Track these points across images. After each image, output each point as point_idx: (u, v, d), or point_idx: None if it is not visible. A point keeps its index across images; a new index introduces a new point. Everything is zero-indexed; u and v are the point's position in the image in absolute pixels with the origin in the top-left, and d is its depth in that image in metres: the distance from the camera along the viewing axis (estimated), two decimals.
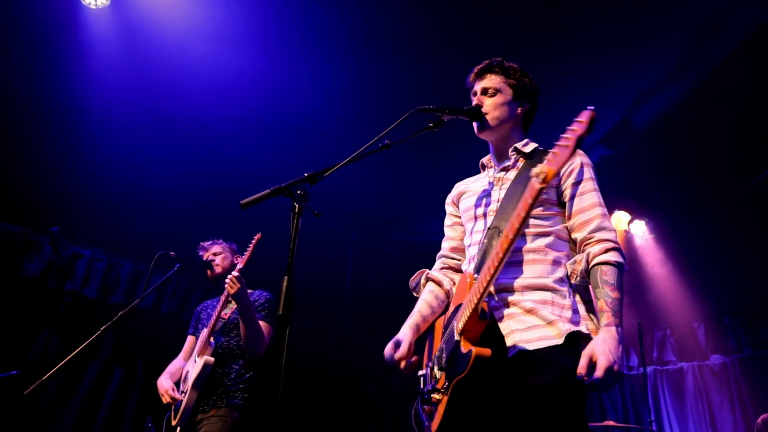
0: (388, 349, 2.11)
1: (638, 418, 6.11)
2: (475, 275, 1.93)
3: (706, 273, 5.91)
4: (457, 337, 1.86)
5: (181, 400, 3.42)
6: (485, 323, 1.84)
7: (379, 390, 7.05)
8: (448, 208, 2.43)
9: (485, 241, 2.02)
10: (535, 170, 1.64)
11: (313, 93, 4.97)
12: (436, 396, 1.92)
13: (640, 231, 6.16)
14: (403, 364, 2.07)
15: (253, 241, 3.53)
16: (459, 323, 1.87)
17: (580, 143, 1.61)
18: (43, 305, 5.06)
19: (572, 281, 1.97)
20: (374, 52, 4.64)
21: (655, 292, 6.22)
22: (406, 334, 2.16)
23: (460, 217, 2.33)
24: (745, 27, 4.38)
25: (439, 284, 2.29)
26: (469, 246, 2.18)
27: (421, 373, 2.12)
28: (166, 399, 3.51)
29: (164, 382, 3.59)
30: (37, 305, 5.02)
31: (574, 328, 1.87)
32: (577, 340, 1.88)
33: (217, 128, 5.20)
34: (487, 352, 1.77)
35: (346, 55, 4.66)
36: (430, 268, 2.41)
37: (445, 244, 2.39)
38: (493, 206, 2.13)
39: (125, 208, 5.29)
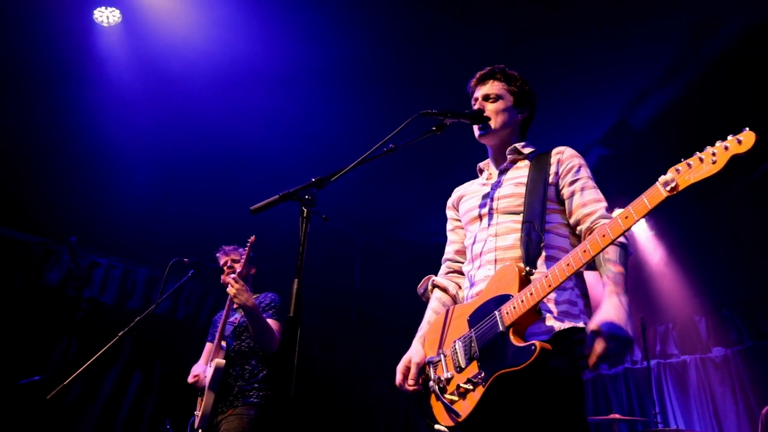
0: (399, 375, 2.12)
1: (643, 411, 6.07)
2: (527, 268, 1.89)
3: (705, 267, 5.89)
4: (502, 329, 1.81)
5: (203, 384, 3.47)
6: (538, 317, 1.83)
7: (388, 387, 7.03)
8: (449, 212, 2.43)
9: (524, 235, 2.00)
10: (665, 177, 1.53)
11: (322, 100, 4.99)
12: (466, 386, 1.87)
13: (641, 228, 6.14)
14: (413, 390, 2.07)
15: (248, 244, 3.55)
16: (509, 315, 1.81)
17: (730, 163, 1.45)
18: (63, 312, 5.09)
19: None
20: (374, 57, 4.65)
21: (657, 287, 6.19)
22: (417, 350, 2.13)
23: (460, 220, 2.33)
24: (738, 27, 4.37)
25: (444, 290, 2.29)
26: (474, 244, 2.17)
27: (432, 359, 2.06)
28: (190, 380, 3.57)
29: (193, 370, 3.65)
30: (57, 312, 5.05)
31: (565, 326, 1.87)
32: (567, 337, 1.87)
33: (227, 139, 5.22)
34: (548, 346, 1.73)
35: (347, 61, 4.67)
36: (436, 269, 2.40)
37: (449, 248, 2.38)
38: (495, 204, 2.13)
39: (140, 218, 5.32)
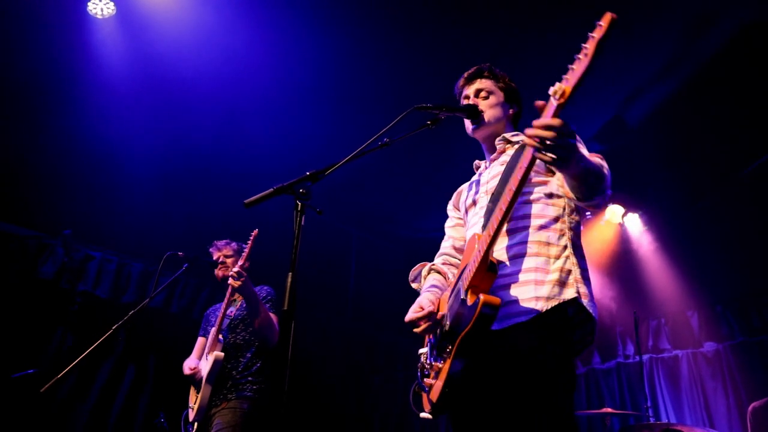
0: (411, 314, 2.00)
1: (635, 405, 6.10)
2: (482, 233, 1.88)
3: (698, 263, 5.91)
4: (463, 295, 1.78)
5: (201, 375, 3.47)
6: (494, 276, 1.76)
7: (384, 382, 7.05)
8: (450, 212, 2.42)
9: (490, 205, 2.00)
10: (554, 88, 1.54)
11: (317, 96, 4.97)
12: (438, 364, 1.85)
13: (634, 223, 6.16)
14: (421, 322, 1.98)
15: (251, 237, 3.54)
16: (466, 280, 1.79)
17: (600, 50, 1.47)
18: (57, 306, 5.07)
19: (570, 224, 1.94)
20: (371, 54, 4.63)
21: (650, 282, 6.21)
22: (427, 297, 2.06)
23: (462, 218, 2.33)
24: (732, 25, 4.37)
25: (443, 275, 2.25)
26: (468, 230, 2.18)
27: (422, 351, 2.07)
28: (187, 372, 3.57)
29: (185, 364, 3.65)
30: (52, 306, 5.04)
31: (550, 305, 1.80)
32: (557, 317, 1.80)
33: (223, 130, 5.20)
34: (496, 300, 1.68)
35: (343, 58, 4.66)
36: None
37: (447, 243, 2.36)
38: (485, 188, 2.15)
39: (135, 211, 5.30)
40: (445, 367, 1.81)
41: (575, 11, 4.13)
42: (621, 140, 5.42)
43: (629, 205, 6.04)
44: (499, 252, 1.93)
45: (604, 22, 1.48)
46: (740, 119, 4.99)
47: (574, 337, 1.84)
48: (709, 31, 4.45)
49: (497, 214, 1.75)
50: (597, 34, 1.48)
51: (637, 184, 5.89)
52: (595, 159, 1.81)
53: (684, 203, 5.86)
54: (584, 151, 1.84)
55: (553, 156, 1.54)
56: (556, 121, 1.52)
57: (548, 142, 1.53)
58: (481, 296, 1.67)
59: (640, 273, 6.19)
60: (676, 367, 6.10)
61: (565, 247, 1.92)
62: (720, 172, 5.49)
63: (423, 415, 1.95)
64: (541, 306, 1.80)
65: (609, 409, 4.45)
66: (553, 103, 1.55)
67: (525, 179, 1.69)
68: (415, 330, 2.00)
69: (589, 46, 1.48)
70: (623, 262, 6.19)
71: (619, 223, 6.14)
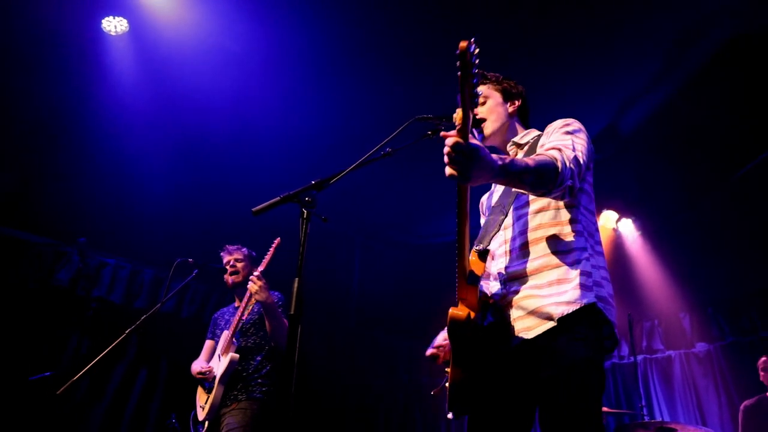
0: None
1: (630, 404, 6.10)
2: (479, 246, 1.87)
3: (690, 266, 5.93)
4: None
5: (214, 375, 3.49)
6: (474, 288, 1.72)
7: (386, 386, 7.03)
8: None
9: (491, 217, 2.02)
10: (455, 115, 1.59)
11: (321, 107, 5.01)
12: (448, 369, 1.90)
13: (628, 229, 6.18)
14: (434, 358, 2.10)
15: (273, 245, 3.55)
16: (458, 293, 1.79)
17: (466, 78, 1.48)
18: (73, 311, 5.11)
19: (586, 226, 1.89)
20: (373, 67, 4.67)
21: (643, 285, 6.22)
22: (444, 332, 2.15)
23: None
24: (722, 34, 4.39)
25: None
26: None
27: None
28: (198, 374, 3.58)
29: (194, 366, 3.68)
30: (68, 311, 5.07)
31: (571, 309, 1.73)
32: (581, 317, 1.74)
33: (231, 142, 5.24)
34: (460, 315, 1.69)
35: (347, 67, 4.69)
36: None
37: None
38: (493, 198, 2.17)
39: (147, 219, 5.33)
40: (448, 370, 1.88)
41: (576, 16, 4.16)
42: (615, 148, 5.44)
43: (623, 211, 6.07)
44: (519, 265, 1.88)
45: (459, 49, 1.49)
46: (728, 125, 5.01)
47: (599, 340, 1.78)
48: (699, 41, 4.47)
49: (458, 228, 1.71)
50: (459, 63, 1.50)
51: (630, 190, 5.91)
52: (536, 157, 1.72)
53: (676, 208, 5.88)
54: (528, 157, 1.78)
55: (450, 171, 1.55)
56: (449, 140, 1.53)
57: (446, 159, 1.55)
58: (450, 311, 1.71)
59: (634, 276, 6.21)
60: (669, 367, 6.10)
61: (584, 249, 1.84)
62: (711, 178, 5.51)
63: (449, 415, 1.99)
64: (563, 310, 1.73)
65: (605, 409, 4.45)
66: (456, 125, 1.58)
67: (462, 196, 1.67)
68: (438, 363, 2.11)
69: (459, 74, 1.50)
70: (617, 266, 6.21)
71: (614, 228, 6.16)
